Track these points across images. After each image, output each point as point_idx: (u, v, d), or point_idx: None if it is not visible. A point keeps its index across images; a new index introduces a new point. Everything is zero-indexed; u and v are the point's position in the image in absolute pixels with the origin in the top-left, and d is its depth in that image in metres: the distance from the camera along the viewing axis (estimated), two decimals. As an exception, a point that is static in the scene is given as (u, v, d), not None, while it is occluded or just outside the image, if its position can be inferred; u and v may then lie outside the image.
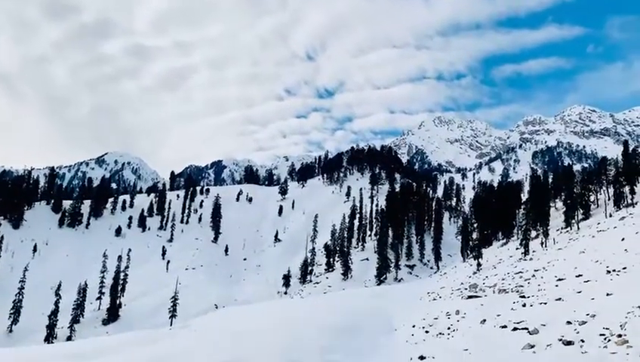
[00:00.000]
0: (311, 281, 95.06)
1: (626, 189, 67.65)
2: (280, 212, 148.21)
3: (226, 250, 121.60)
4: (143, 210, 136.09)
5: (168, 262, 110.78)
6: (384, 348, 27.44)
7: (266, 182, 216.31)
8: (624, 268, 31.36)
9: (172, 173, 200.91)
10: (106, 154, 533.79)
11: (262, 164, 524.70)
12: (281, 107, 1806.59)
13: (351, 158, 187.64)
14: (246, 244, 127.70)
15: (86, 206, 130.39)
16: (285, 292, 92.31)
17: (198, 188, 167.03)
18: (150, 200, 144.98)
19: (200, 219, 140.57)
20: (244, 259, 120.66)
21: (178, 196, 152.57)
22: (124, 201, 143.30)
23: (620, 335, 19.41)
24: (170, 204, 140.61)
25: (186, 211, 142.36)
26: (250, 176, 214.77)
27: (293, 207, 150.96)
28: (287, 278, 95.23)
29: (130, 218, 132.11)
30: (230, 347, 27.28)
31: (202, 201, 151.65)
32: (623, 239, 41.26)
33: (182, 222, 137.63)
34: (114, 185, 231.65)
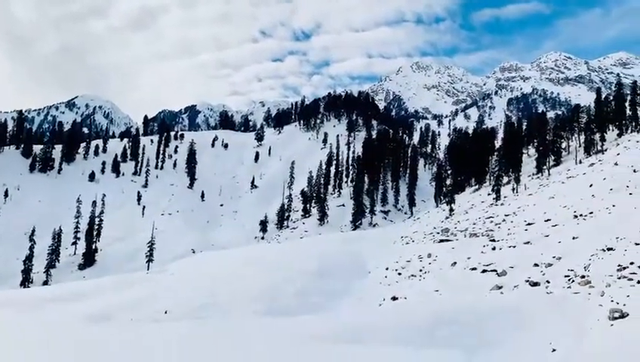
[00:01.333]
0: (288, 227, 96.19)
1: (597, 136, 69.01)
2: (256, 158, 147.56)
3: (202, 196, 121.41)
4: (116, 155, 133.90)
5: (144, 207, 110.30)
6: (358, 290, 28.25)
7: (242, 128, 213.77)
8: (591, 213, 32.45)
9: (145, 117, 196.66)
10: (76, 97, 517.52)
11: (237, 110, 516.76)
12: (256, 49, 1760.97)
13: (328, 104, 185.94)
14: (222, 190, 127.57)
15: (57, 151, 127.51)
16: (262, 238, 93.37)
17: (172, 134, 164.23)
18: (124, 146, 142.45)
19: (175, 165, 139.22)
20: (221, 205, 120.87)
21: (152, 141, 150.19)
22: (97, 146, 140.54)
23: (583, 276, 20.33)
24: (144, 149, 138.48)
25: (161, 157, 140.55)
26: (226, 121, 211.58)
27: (269, 153, 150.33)
28: (264, 224, 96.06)
29: (104, 163, 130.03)
30: (208, 290, 27.75)
31: (177, 147, 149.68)
32: (591, 185, 42.44)
33: (156, 167, 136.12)
34: (85, 130, 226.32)
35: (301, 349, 12.66)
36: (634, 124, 71.23)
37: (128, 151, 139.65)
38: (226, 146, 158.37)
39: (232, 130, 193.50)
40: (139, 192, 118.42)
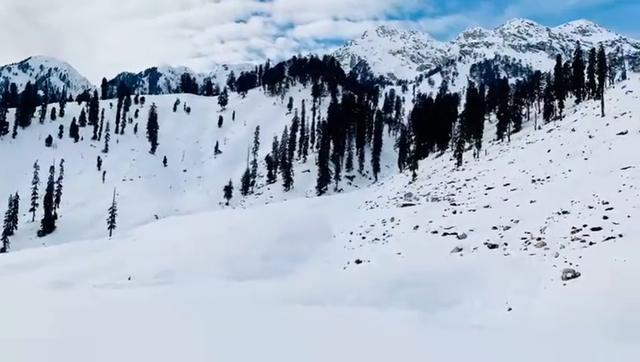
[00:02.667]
0: (252, 192, 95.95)
1: (556, 103, 70.67)
2: (220, 123, 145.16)
3: (165, 161, 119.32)
4: (74, 119, 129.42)
5: (104, 172, 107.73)
6: (323, 254, 28.58)
7: (205, 92, 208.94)
8: (548, 178, 33.51)
9: (104, 80, 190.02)
10: (29, 58, 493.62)
11: (200, 73, 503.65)
12: (218, 9, 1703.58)
13: (293, 68, 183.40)
14: (185, 155, 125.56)
15: (11, 114, 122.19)
16: (227, 203, 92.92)
17: (133, 97, 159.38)
18: (82, 109, 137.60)
19: (136, 129, 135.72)
20: (184, 171, 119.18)
21: (111, 105, 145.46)
22: (54, 110, 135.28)
23: (539, 239, 21.12)
24: (103, 113, 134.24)
25: (121, 121, 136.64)
26: (188, 84, 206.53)
27: (233, 118, 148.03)
28: (228, 189, 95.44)
29: (61, 127, 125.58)
30: (172, 255, 27.56)
31: (137, 111, 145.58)
32: (549, 150, 43.69)
33: (117, 132, 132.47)
34: (41, 93, 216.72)
35: (265, 311, 12.81)
36: (591, 91, 73.09)
37: (87, 115, 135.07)
38: (188, 110, 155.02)
39: (195, 94, 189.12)
40: (99, 157, 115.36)
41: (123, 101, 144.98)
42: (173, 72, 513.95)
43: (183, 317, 11.88)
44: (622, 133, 38.39)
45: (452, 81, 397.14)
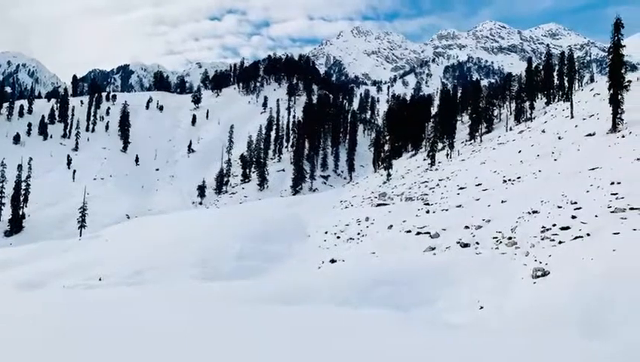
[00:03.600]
0: (227, 192, 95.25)
1: (527, 104, 72.12)
2: (193, 121, 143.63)
3: (137, 160, 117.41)
4: (43, 117, 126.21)
5: (74, 171, 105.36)
6: (298, 253, 28.60)
7: (178, 90, 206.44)
8: (519, 178, 34.19)
9: (74, 77, 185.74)
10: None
11: (173, 70, 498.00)
12: (192, 7, 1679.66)
13: (268, 67, 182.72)
14: (158, 154, 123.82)
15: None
16: (200, 203, 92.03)
17: (104, 95, 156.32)
18: (51, 106, 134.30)
19: (107, 128, 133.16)
20: (157, 170, 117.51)
21: (82, 102, 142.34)
22: (22, 107, 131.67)
23: (510, 238, 21.54)
24: (73, 110, 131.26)
25: (92, 119, 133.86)
26: (161, 82, 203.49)
27: (207, 116, 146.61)
28: (202, 189, 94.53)
29: (30, 125, 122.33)
30: (144, 255, 27.19)
31: (109, 108, 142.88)
32: (519, 151, 44.54)
33: (87, 130, 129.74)
34: (8, 89, 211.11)
35: (238, 311, 12.74)
36: (561, 93, 74.85)
37: (56, 113, 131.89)
38: (161, 108, 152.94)
39: (168, 92, 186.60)
40: (69, 156, 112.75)
41: (94, 99, 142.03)
42: (145, 69, 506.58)
43: (154, 318, 11.73)
44: (590, 135, 39.39)
45: (426, 82, 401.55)
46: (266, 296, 16.08)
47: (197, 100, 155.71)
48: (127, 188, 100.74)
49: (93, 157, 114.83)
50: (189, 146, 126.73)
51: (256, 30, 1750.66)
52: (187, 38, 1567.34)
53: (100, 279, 23.50)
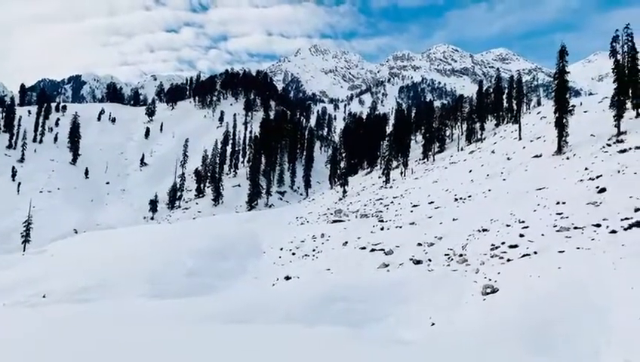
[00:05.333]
0: (180, 207, 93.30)
1: (477, 126, 74.45)
2: (147, 134, 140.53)
3: (87, 173, 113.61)
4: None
5: (19, 183, 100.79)
6: (252, 270, 28.24)
7: (132, 102, 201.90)
8: (469, 197, 35.09)
9: (22, 86, 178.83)
10: None
11: (127, 82, 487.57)
12: (148, 17, 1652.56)
13: (225, 82, 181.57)
14: (109, 167, 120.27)
15: None
16: (152, 218, 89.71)
17: (54, 105, 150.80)
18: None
19: (56, 139, 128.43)
20: (107, 183, 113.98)
21: (30, 112, 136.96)
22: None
23: (461, 255, 22.00)
24: (20, 120, 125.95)
25: (40, 129, 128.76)
26: (114, 94, 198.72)
27: (161, 129, 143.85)
28: (154, 203, 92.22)
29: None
30: (92, 271, 26.16)
31: (58, 119, 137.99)
32: (470, 171, 45.81)
33: (35, 141, 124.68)
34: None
35: (188, 330, 12.39)
36: (510, 115, 77.71)
37: (1, 123, 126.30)
38: (113, 120, 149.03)
39: (121, 104, 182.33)
40: (14, 167, 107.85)
41: (43, 109, 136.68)
42: (98, 80, 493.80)
43: (99, 338, 11.26)
44: (537, 156, 40.99)
45: (381, 102, 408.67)
46: (217, 314, 15.73)
47: (151, 113, 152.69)
48: (75, 201, 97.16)
49: (40, 170, 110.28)
50: (142, 160, 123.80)
51: (214, 44, 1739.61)
52: (142, 50, 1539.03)
53: (43, 296, 22.44)
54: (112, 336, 11.42)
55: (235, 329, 13.07)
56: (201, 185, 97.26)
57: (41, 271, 27.95)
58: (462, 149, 66.99)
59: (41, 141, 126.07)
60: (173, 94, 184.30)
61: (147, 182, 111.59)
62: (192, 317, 15.06)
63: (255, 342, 11.54)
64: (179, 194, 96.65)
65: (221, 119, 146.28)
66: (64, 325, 13.28)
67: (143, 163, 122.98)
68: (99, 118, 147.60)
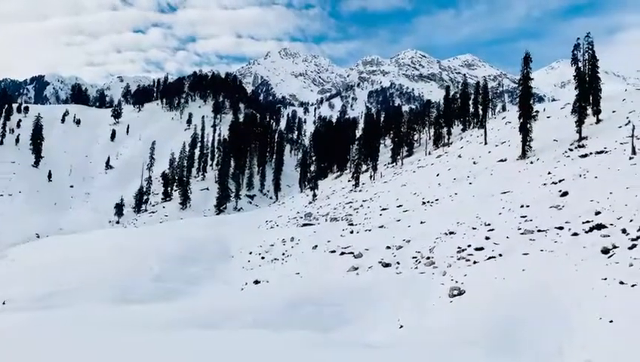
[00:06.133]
0: (146, 211, 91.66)
1: (444, 130, 75.63)
2: (113, 137, 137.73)
3: (50, 176, 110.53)
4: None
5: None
6: (220, 274, 27.91)
7: (97, 104, 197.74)
8: (437, 200, 35.57)
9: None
10: None
11: (92, 83, 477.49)
12: (115, 17, 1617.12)
13: (193, 84, 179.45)
14: (73, 170, 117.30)
15: None
16: (117, 222, 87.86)
17: (15, 106, 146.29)
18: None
19: (17, 141, 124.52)
20: (71, 186, 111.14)
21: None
22: None
23: (428, 258, 22.26)
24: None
25: (0, 131, 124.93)
26: (79, 95, 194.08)
27: (128, 132, 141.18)
28: (119, 207, 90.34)
29: None
30: (55, 276, 25.40)
31: (20, 121, 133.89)
32: (438, 175, 46.47)
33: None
34: None
35: (154, 336, 12.16)
36: (476, 120, 79.24)
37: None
38: (78, 122, 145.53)
39: (86, 105, 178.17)
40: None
41: (4, 110, 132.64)
42: (62, 81, 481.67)
43: (63, 346, 10.93)
44: (502, 160, 41.90)
45: (351, 106, 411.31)
46: (184, 319, 15.48)
47: (117, 115, 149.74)
48: (37, 205, 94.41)
49: (1, 172, 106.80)
50: (107, 163, 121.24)
51: (182, 45, 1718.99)
52: (109, 50, 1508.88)
53: (3, 303, 21.65)
54: (75, 343, 11.11)
55: (203, 335, 12.88)
56: (169, 189, 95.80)
57: (1, 277, 27.01)
58: (429, 153, 67.92)
59: (1, 143, 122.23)
60: (140, 96, 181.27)
61: (113, 186, 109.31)
62: (158, 323, 14.77)
63: (223, 347, 11.41)
64: (145, 197, 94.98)
65: (189, 122, 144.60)
66: (24, 333, 12.84)
67: (108, 166, 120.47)
68: (63, 120, 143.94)
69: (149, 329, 13.63)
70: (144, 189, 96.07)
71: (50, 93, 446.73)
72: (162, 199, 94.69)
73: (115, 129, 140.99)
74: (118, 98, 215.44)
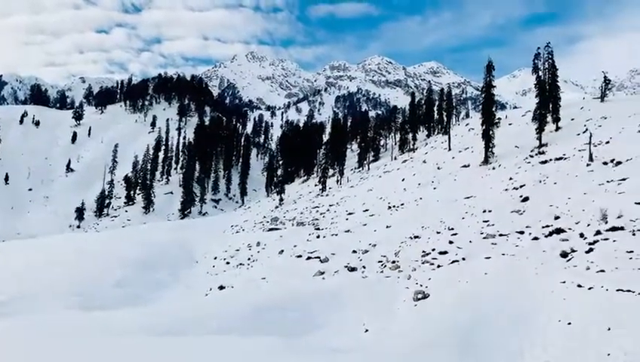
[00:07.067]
0: (108, 215, 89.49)
1: (410, 136, 76.57)
2: (74, 139, 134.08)
3: (6, 179, 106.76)
4: None
5: None
6: (184, 280, 27.47)
7: (58, 105, 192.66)
8: (402, 205, 35.96)
9: None
10: None
11: (53, 84, 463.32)
12: (77, 16, 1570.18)
13: (158, 86, 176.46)
14: (32, 173, 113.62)
15: None
16: (78, 226, 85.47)
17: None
18: None
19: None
20: (30, 190, 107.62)
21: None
22: None
23: (394, 262, 22.46)
24: None
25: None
26: (38, 96, 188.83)
27: (89, 134, 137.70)
28: (80, 211, 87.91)
29: None
30: (11, 283, 24.48)
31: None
32: (403, 180, 47.00)
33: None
34: None
35: (116, 343, 11.84)
36: (440, 126, 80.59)
37: None
38: (37, 124, 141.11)
39: (46, 107, 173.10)
40: None
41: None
42: (21, 81, 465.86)
43: (23, 354, 10.53)
44: (465, 166, 42.70)
45: (318, 110, 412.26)
46: (147, 326, 15.14)
47: (79, 117, 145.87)
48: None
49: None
50: (68, 165, 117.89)
51: (147, 46, 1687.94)
52: (70, 50, 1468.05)
53: (-46, 311, 20.70)
54: (32, 350, 10.72)
55: (166, 342, 12.63)
56: (132, 193, 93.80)
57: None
58: (395, 159, 68.66)
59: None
60: (103, 98, 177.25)
61: (73, 189, 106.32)
62: (120, 330, 14.40)
63: (186, 354, 11.20)
64: (107, 201, 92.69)
65: (153, 124, 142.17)
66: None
67: (69, 169, 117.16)
68: (21, 121, 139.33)
69: (112, 336, 13.27)
70: (106, 193, 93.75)
71: (7, 94, 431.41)
72: (125, 203, 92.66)
73: (76, 131, 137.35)
74: (79, 99, 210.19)
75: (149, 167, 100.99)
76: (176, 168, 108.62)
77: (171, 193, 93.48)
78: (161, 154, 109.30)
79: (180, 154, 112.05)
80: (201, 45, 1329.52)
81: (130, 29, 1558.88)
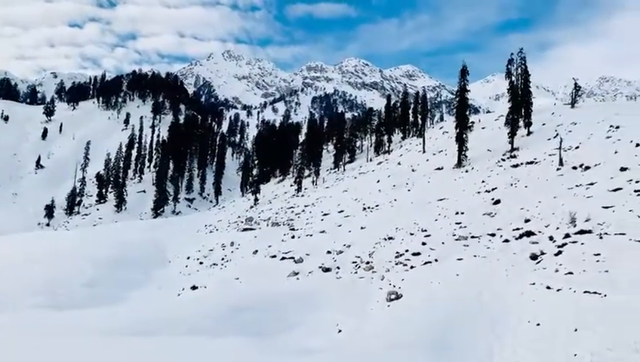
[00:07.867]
0: (79, 213, 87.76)
1: (385, 138, 77.16)
2: (44, 135, 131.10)
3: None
4: None
5: None
6: (157, 280, 27.17)
7: (28, 100, 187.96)
8: (377, 206, 36.21)
9: None
10: None
11: (23, 78, 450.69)
12: (48, 9, 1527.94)
13: (132, 83, 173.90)
14: (0, 170, 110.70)
15: None
16: (47, 224, 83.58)
17: None
18: None
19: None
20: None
21: None
22: None
23: (368, 263, 22.62)
24: None
25: None
26: (7, 90, 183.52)
27: (61, 130, 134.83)
28: (50, 209, 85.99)
29: None
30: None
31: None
32: (378, 181, 47.31)
33: None
34: None
35: (87, 343, 11.65)
36: (415, 129, 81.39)
37: None
38: (6, 119, 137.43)
39: (15, 101, 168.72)
40: None
41: None
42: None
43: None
44: (439, 169, 43.24)
45: (295, 111, 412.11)
46: (120, 327, 14.93)
47: (50, 112, 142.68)
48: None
49: None
50: (38, 162, 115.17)
51: (122, 42, 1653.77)
52: (41, 44, 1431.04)
53: None
54: (6, 351, 10.47)
55: (138, 342, 12.47)
56: (103, 191, 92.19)
57: None
58: (371, 160, 69.08)
59: None
60: (75, 93, 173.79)
61: (43, 186, 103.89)
62: (91, 330, 14.17)
63: (158, 355, 11.09)
64: (78, 199, 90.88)
65: (127, 121, 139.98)
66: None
67: (39, 165, 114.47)
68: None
69: (82, 335, 13.05)
70: (77, 191, 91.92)
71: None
72: (96, 201, 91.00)
73: (47, 127, 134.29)
74: (51, 95, 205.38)
75: (121, 165, 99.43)
76: (149, 166, 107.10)
77: (144, 192, 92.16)
78: (134, 152, 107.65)
79: (154, 152, 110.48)
80: (177, 42, 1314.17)
81: (105, 24, 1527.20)
